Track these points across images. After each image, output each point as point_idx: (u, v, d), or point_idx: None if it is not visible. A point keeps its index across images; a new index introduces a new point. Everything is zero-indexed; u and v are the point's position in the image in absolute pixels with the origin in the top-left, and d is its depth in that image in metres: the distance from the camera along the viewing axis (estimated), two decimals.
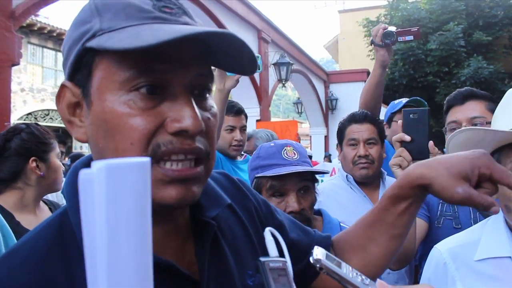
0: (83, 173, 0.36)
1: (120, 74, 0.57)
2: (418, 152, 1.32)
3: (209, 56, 0.63)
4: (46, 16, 14.92)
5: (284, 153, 1.38)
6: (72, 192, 0.62)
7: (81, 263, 0.57)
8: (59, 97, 0.64)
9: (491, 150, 1.12)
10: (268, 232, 0.66)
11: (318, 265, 0.59)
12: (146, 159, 0.37)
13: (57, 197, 3.24)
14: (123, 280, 0.36)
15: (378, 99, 2.11)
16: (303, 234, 0.91)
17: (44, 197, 1.95)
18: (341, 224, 1.52)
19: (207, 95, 0.64)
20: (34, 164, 1.76)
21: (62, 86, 0.63)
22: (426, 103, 2.56)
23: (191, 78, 0.60)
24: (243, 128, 2.63)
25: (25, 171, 1.76)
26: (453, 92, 1.83)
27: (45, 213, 1.87)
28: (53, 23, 14.66)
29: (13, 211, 1.71)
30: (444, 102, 1.85)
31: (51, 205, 1.96)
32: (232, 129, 2.58)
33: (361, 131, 1.95)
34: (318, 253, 0.59)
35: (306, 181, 1.37)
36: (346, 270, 0.61)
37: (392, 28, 1.97)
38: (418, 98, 2.62)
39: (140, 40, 0.52)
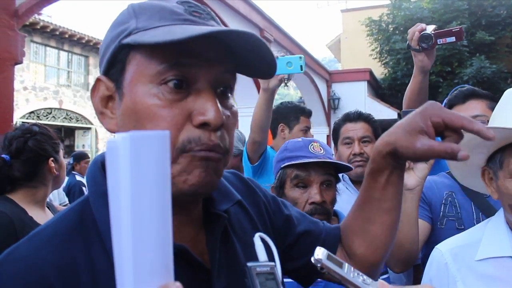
0: (109, 142, 0.41)
1: (151, 67, 0.62)
2: None
3: (233, 58, 0.68)
4: (49, 15, 15.00)
5: (311, 148, 1.43)
6: (93, 181, 0.69)
7: (100, 245, 0.62)
8: (94, 90, 0.69)
9: (494, 149, 1.12)
10: (257, 237, 0.67)
11: (319, 265, 0.60)
12: (166, 131, 0.42)
13: (59, 195, 3.24)
14: (146, 240, 0.40)
15: None
16: (313, 224, 0.95)
17: None
18: None
19: (229, 94, 0.69)
20: (53, 165, 1.82)
21: (98, 80, 0.69)
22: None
23: (215, 75, 0.65)
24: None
25: (43, 171, 1.81)
26: (455, 91, 1.82)
27: (48, 211, 1.90)
28: (56, 21, 14.69)
29: (25, 207, 1.75)
30: (445, 101, 1.85)
31: (48, 205, 1.99)
32: (307, 130, 2.75)
33: (355, 129, 1.97)
34: (320, 253, 0.60)
35: (330, 176, 1.43)
36: (347, 270, 0.61)
37: (430, 29, 1.75)
38: (466, 85, 2.47)
39: (171, 35, 0.58)
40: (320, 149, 1.44)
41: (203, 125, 0.62)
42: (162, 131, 0.42)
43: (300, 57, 1.90)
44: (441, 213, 1.73)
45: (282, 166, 1.46)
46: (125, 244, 0.40)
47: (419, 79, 1.82)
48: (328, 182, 1.42)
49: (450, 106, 1.79)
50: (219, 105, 0.63)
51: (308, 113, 2.79)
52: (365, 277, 0.62)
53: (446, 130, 0.71)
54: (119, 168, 0.40)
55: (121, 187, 0.40)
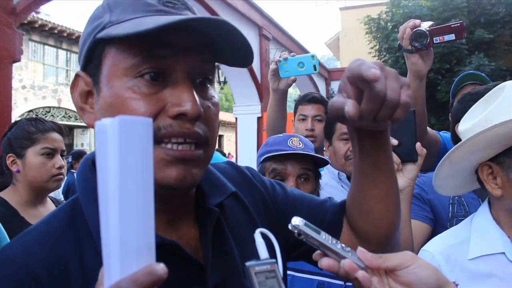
0: (98, 124, 0.44)
1: (126, 61, 0.62)
2: (407, 155, 1.30)
3: (210, 47, 0.67)
4: (47, 13, 14.95)
5: (289, 142, 1.47)
6: (82, 178, 0.69)
7: (91, 243, 0.62)
8: (73, 86, 0.70)
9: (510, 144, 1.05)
10: (258, 234, 0.66)
11: (296, 231, 0.61)
12: (149, 119, 0.45)
13: (54, 193, 3.22)
14: (132, 219, 0.43)
15: (421, 116, 1.55)
16: (315, 208, 0.91)
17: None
18: None
19: (208, 85, 0.68)
20: (9, 161, 1.79)
21: (76, 76, 0.69)
22: (484, 75, 2.09)
23: (192, 65, 0.65)
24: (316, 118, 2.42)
25: (8, 167, 1.80)
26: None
27: (49, 208, 1.88)
28: (54, 20, 14.65)
29: (17, 207, 1.76)
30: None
31: (57, 203, 1.99)
32: (304, 119, 2.40)
33: None
34: (297, 220, 0.62)
35: (307, 170, 1.45)
36: (325, 237, 0.62)
37: (425, 25, 1.45)
38: (473, 71, 2.16)
39: (141, 26, 0.58)
40: (299, 144, 1.47)
41: (179, 116, 0.62)
42: (146, 117, 0.45)
43: (313, 56, 1.78)
44: (450, 213, 1.67)
45: (261, 160, 1.49)
46: (113, 221, 0.42)
47: (414, 86, 1.51)
48: (305, 176, 1.45)
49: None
50: (196, 96, 0.63)
51: (305, 100, 2.41)
52: (343, 245, 0.63)
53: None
54: (108, 148, 0.42)
55: (110, 166, 0.42)
